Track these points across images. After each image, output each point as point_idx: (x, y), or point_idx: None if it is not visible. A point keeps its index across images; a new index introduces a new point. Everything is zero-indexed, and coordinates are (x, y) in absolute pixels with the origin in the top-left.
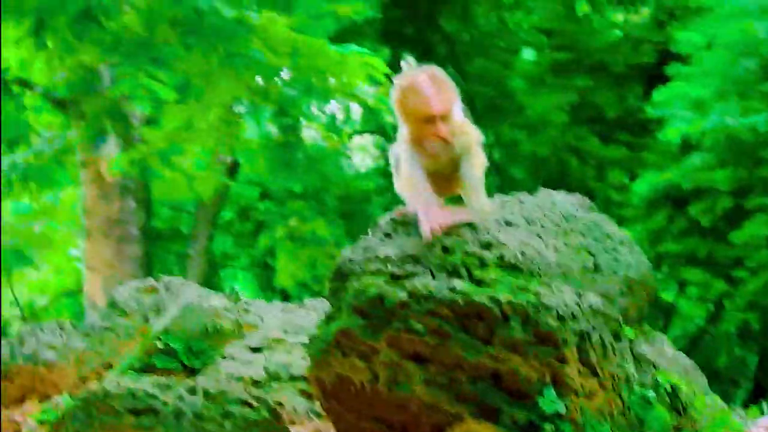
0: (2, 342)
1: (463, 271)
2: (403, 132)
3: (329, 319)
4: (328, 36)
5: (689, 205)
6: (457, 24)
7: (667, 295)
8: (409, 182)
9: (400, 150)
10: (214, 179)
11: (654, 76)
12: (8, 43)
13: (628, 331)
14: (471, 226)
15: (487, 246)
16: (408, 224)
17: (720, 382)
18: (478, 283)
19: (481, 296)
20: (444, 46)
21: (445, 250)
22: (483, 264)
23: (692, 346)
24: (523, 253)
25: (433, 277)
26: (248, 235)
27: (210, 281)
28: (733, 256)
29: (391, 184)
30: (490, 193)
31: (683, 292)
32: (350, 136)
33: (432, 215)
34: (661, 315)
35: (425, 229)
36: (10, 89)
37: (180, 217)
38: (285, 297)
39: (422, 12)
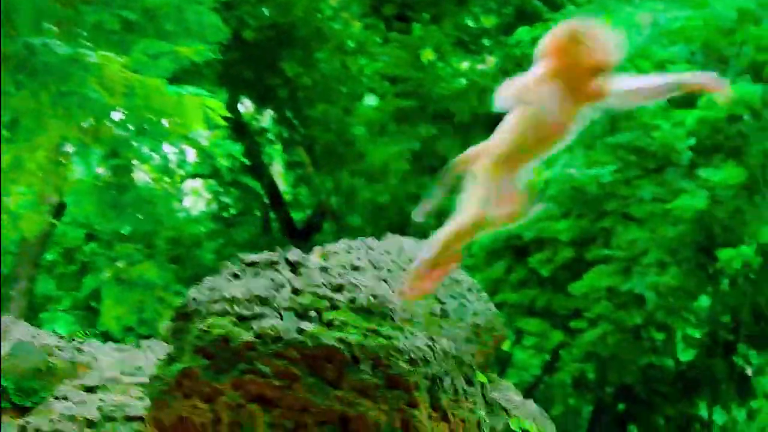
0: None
1: (313, 313)
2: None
3: (171, 359)
4: (166, 77)
5: (529, 255)
6: (299, 68)
7: (504, 345)
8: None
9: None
10: (39, 219)
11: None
12: None
13: (480, 377)
14: (322, 268)
15: (338, 289)
16: (257, 264)
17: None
18: (328, 325)
19: (330, 338)
20: (284, 90)
21: (295, 291)
22: (334, 306)
23: (527, 396)
24: (374, 297)
25: (282, 318)
26: (72, 277)
27: (30, 324)
28: (572, 306)
29: (222, 228)
30: (326, 241)
31: (520, 342)
32: (183, 179)
33: (423, 280)
34: (497, 364)
35: (412, 275)
36: None
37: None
38: (107, 341)
39: (263, 55)
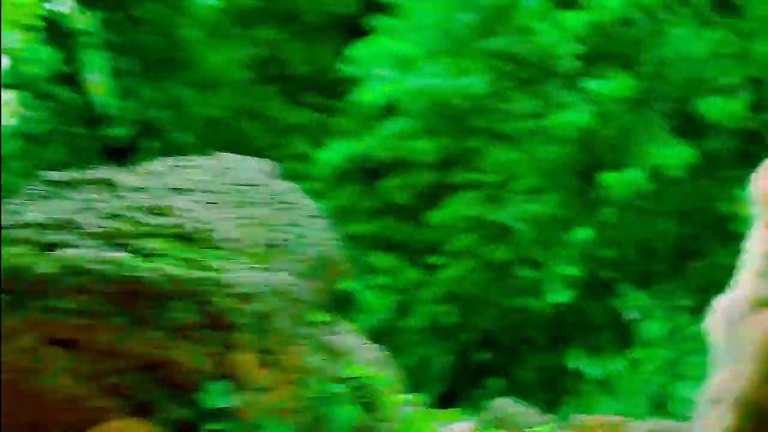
0: None
1: (125, 241)
2: None
3: None
4: None
5: (384, 179)
6: None
7: (348, 282)
8: None
9: None
10: None
11: (354, 30)
12: None
13: (318, 316)
14: (138, 189)
15: (156, 213)
16: (63, 184)
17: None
18: (142, 254)
19: (143, 270)
20: None
21: (105, 215)
22: (150, 233)
23: (374, 342)
24: (198, 223)
25: (88, 246)
26: None
27: None
28: (431, 240)
29: (30, 147)
30: (148, 159)
31: (368, 280)
32: None
33: None
34: (339, 304)
35: None
36: None
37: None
38: None
39: None
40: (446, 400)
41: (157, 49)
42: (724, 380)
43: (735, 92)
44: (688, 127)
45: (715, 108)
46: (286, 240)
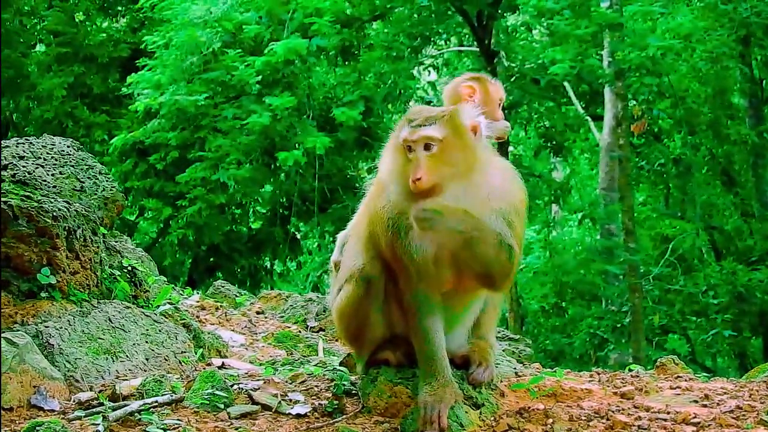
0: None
1: None
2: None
3: None
4: None
5: (149, 155)
6: None
7: (131, 216)
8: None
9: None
10: None
11: (128, 66)
12: None
13: (102, 230)
14: None
15: (4, 167)
16: None
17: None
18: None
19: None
20: None
21: None
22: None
23: (147, 251)
24: (29, 173)
25: None
26: None
27: None
28: (178, 191)
29: None
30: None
31: (143, 215)
32: None
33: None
34: (125, 228)
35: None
36: None
37: None
38: None
39: None
40: (189, 285)
41: (9, 78)
42: (346, 265)
43: (354, 105)
44: (327, 125)
45: (342, 114)
46: (86, 186)
